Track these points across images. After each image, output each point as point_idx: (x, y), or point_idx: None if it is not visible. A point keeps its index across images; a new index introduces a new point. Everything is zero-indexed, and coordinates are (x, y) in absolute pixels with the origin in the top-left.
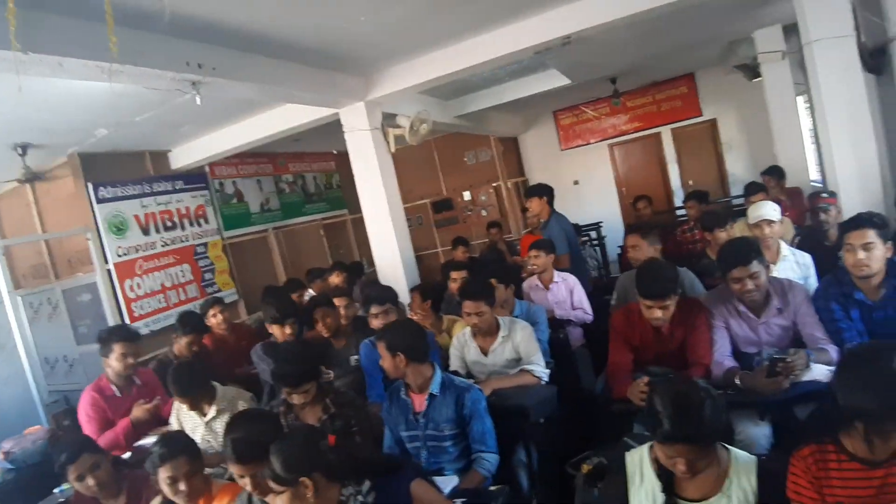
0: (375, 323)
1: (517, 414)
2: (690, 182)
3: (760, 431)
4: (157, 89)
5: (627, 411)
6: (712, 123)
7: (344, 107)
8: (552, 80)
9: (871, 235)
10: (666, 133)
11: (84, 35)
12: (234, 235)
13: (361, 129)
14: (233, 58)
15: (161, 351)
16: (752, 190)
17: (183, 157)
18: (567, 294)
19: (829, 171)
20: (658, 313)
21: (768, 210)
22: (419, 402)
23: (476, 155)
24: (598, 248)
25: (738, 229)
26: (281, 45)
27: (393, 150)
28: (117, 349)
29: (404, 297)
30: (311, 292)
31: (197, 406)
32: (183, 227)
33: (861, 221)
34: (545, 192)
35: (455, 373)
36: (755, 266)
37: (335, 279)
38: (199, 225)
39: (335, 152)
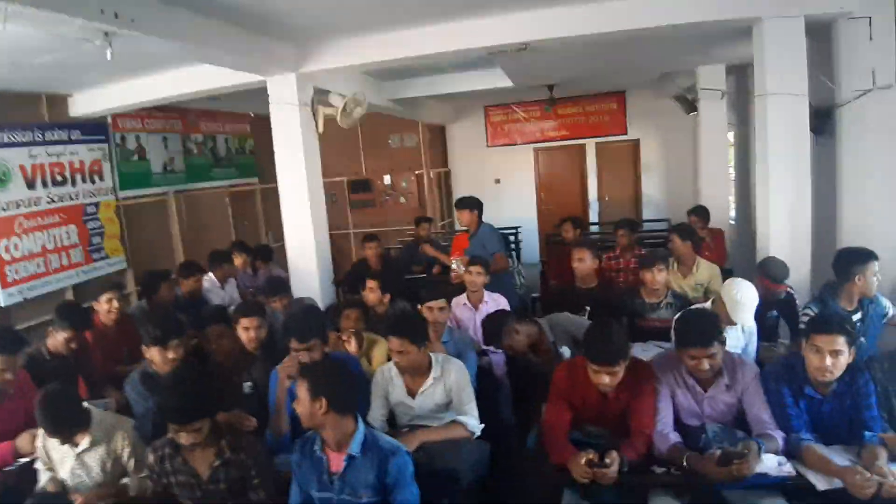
0: (295, 355)
1: (446, 477)
2: (607, 197)
3: None
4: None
5: (561, 480)
6: (635, 144)
7: (272, 76)
8: (494, 79)
9: (841, 343)
10: (591, 146)
11: None
12: (131, 197)
13: (290, 102)
14: (154, 9)
15: (31, 348)
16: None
17: (84, 104)
18: None
19: (763, 221)
20: (606, 379)
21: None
22: (336, 462)
23: (402, 139)
24: (514, 255)
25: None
26: (210, 1)
27: (321, 129)
28: None
29: (314, 284)
30: (210, 277)
31: (68, 439)
32: (74, 183)
33: (833, 328)
34: (477, 205)
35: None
36: (714, 347)
37: (237, 260)
38: (93, 182)
39: (252, 115)
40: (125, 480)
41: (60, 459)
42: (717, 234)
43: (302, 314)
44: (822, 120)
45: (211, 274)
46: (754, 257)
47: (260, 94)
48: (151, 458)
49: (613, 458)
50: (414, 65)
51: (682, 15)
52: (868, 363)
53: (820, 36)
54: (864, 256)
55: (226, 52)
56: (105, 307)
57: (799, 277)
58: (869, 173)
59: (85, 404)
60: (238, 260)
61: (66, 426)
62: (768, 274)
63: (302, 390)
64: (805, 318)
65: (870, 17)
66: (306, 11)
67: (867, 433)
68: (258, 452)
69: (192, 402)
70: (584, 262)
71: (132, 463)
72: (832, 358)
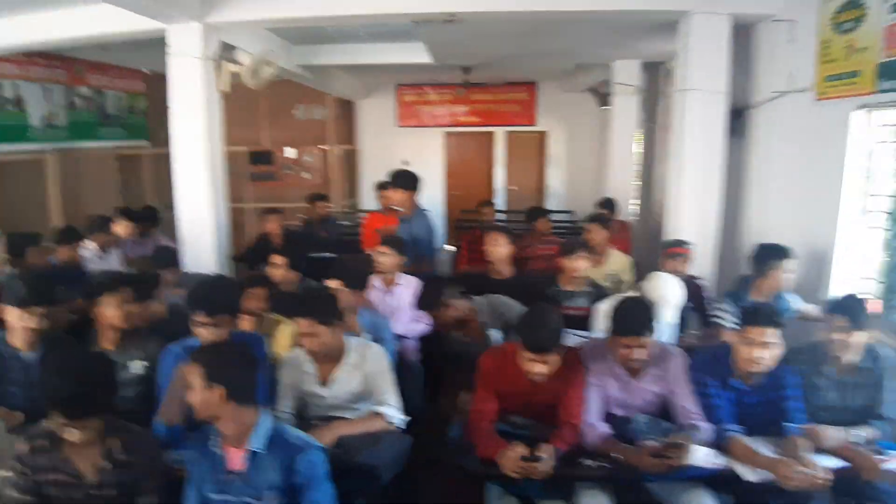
0: (200, 331)
1: (365, 473)
2: (514, 187)
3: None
4: None
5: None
6: (543, 135)
7: (174, 23)
8: (413, 54)
9: (773, 335)
10: (500, 134)
11: None
12: (2, 152)
13: (192, 55)
14: None
15: None
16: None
17: None
18: (410, 298)
19: (673, 214)
20: (540, 367)
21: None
22: (236, 459)
23: (308, 110)
24: None
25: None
26: None
27: (226, 88)
28: None
29: (209, 259)
30: (89, 245)
31: None
32: None
33: (766, 319)
34: (413, 184)
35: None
36: (647, 338)
37: (119, 228)
38: None
39: (146, 72)
40: None
41: None
42: (624, 225)
43: (212, 285)
44: (735, 120)
45: (90, 242)
46: (656, 249)
47: (156, 46)
48: (23, 448)
49: (549, 452)
50: (329, 30)
51: (616, 1)
52: (792, 355)
53: (739, 37)
54: (780, 253)
55: None
56: None
57: (705, 271)
58: (775, 175)
59: None
60: (120, 228)
61: None
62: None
63: (195, 376)
64: (718, 312)
65: (793, 21)
66: None
67: (790, 425)
68: (152, 452)
69: (90, 391)
70: (499, 247)
71: None
72: (764, 350)
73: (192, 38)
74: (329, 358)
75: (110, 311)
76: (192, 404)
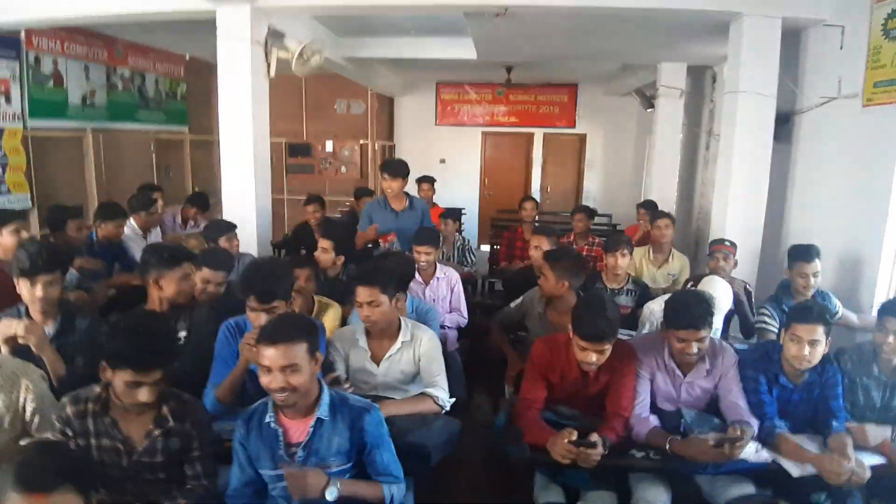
0: (252, 316)
1: (414, 455)
2: (549, 188)
3: (660, 496)
4: None
5: (534, 460)
6: (582, 138)
7: (225, 4)
8: (459, 49)
9: (820, 332)
10: (538, 135)
11: None
12: (42, 128)
13: (241, 38)
14: None
15: None
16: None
17: None
18: (448, 291)
19: (719, 216)
20: (594, 357)
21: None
22: (297, 431)
23: (349, 105)
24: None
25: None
26: None
27: (272, 74)
28: None
29: (251, 245)
30: (132, 223)
31: None
32: None
33: (813, 316)
34: (407, 173)
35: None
36: (706, 330)
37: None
38: None
39: (188, 57)
40: (25, 442)
41: None
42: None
43: (268, 268)
44: (780, 125)
45: (132, 220)
46: (695, 252)
47: (198, 30)
48: (69, 411)
49: (597, 440)
50: (375, 22)
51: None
52: (837, 355)
53: (788, 41)
54: (802, 253)
55: None
56: (10, 240)
57: (749, 274)
58: (821, 180)
59: None
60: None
61: None
62: None
63: (298, 353)
64: (762, 316)
65: (843, 27)
66: None
67: (834, 422)
68: (201, 420)
69: (154, 342)
70: (539, 251)
71: (36, 420)
72: (811, 347)
73: (241, 20)
74: (384, 334)
75: (171, 287)
76: (297, 385)
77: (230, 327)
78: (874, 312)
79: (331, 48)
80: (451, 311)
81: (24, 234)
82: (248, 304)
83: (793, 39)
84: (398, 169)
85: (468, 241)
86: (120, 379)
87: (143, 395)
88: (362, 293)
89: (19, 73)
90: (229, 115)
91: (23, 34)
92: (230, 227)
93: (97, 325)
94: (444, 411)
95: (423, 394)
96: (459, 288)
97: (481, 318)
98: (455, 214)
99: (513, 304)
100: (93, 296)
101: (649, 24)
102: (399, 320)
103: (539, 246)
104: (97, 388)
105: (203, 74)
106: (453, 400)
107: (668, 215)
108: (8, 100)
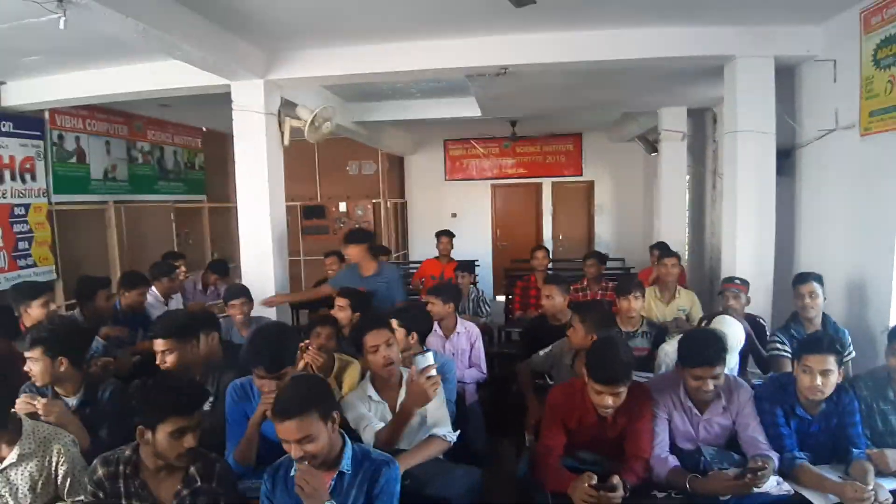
0: (260, 383)
1: None
2: (560, 236)
3: None
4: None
5: None
6: (590, 185)
7: (239, 80)
8: (463, 108)
9: (831, 362)
10: (547, 185)
11: None
12: (66, 202)
13: (255, 110)
14: None
15: None
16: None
17: (19, 93)
18: (468, 346)
19: (729, 254)
20: (609, 401)
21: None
22: None
23: (360, 166)
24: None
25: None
26: None
27: (286, 142)
28: None
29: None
30: (153, 291)
31: None
32: (2, 180)
33: (823, 347)
34: (369, 238)
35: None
36: (720, 367)
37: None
38: (24, 181)
39: (204, 129)
40: None
41: None
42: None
43: (273, 336)
44: (782, 159)
45: (154, 287)
46: (710, 290)
47: (214, 104)
48: (101, 473)
49: (618, 483)
50: (382, 87)
51: (664, 49)
52: (852, 382)
53: (783, 78)
54: (800, 277)
55: (192, 45)
56: (39, 312)
57: (762, 308)
58: (826, 211)
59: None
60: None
61: None
62: None
63: (313, 422)
64: (774, 343)
65: (834, 60)
66: (279, 8)
67: (855, 450)
68: (228, 480)
69: (194, 387)
70: (552, 300)
71: (68, 484)
72: (822, 377)
73: (255, 94)
74: (390, 385)
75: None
76: (317, 450)
77: (236, 389)
78: (884, 338)
79: (341, 114)
80: (470, 367)
81: (53, 307)
82: (255, 373)
83: (787, 76)
84: (353, 236)
85: (482, 292)
86: (163, 432)
87: (189, 440)
88: (374, 337)
89: (44, 151)
90: (246, 183)
91: (46, 114)
92: (239, 293)
93: (124, 391)
94: (451, 443)
95: (431, 436)
96: (480, 343)
97: (500, 369)
98: (469, 267)
99: (542, 353)
100: (118, 362)
101: (646, 73)
102: (400, 370)
103: (550, 295)
104: (128, 451)
105: (220, 144)
106: (457, 433)
107: (674, 254)
108: (33, 177)
